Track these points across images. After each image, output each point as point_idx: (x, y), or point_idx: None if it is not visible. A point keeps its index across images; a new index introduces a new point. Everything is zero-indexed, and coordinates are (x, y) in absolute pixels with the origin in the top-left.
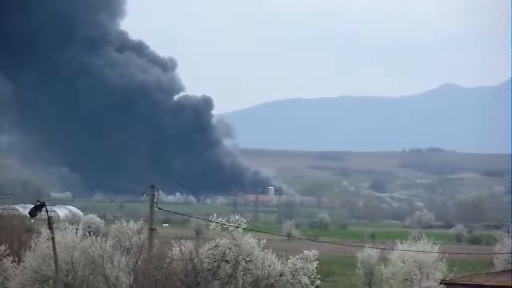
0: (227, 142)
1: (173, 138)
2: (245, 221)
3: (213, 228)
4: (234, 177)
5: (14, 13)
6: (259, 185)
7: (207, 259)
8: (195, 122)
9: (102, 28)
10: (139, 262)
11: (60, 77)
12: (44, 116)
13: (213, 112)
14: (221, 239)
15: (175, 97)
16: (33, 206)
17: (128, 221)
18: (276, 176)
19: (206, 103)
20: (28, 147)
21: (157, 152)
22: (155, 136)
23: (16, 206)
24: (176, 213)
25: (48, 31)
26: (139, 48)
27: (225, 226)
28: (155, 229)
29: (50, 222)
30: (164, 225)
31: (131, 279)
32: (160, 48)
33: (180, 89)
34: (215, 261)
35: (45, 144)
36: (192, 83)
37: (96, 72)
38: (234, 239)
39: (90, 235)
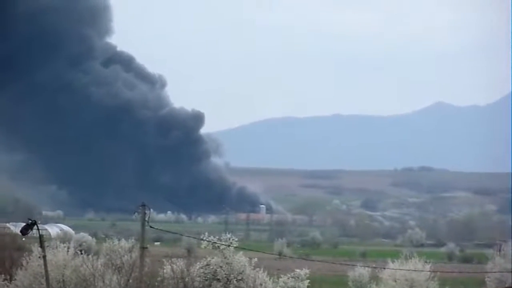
0: (217, 160)
1: (162, 155)
2: (236, 239)
3: (205, 247)
4: (225, 195)
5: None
6: (251, 204)
7: (199, 278)
8: (184, 138)
9: (89, 42)
10: (130, 281)
11: (46, 95)
12: (32, 133)
13: (204, 130)
14: (213, 258)
15: (163, 113)
16: (24, 224)
17: (119, 240)
18: (268, 194)
19: (196, 118)
20: (18, 165)
21: (146, 170)
22: (143, 154)
23: (7, 224)
24: (167, 231)
25: (33, 47)
26: (127, 62)
27: (216, 245)
28: (146, 248)
29: (41, 241)
30: (155, 243)
31: None
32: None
33: (167, 105)
34: (206, 280)
35: (34, 162)
36: (182, 100)
37: (83, 89)
38: (225, 257)
39: (81, 253)
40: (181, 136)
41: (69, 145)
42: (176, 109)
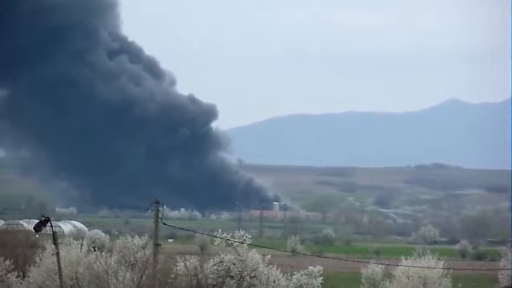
0: (231, 157)
1: (174, 152)
2: (249, 236)
3: (218, 244)
4: (238, 192)
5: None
6: (264, 201)
7: (212, 275)
8: (197, 133)
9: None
10: (143, 278)
11: (54, 90)
12: (42, 130)
13: (218, 126)
14: (226, 255)
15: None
16: (38, 221)
17: (133, 237)
18: (281, 191)
19: (209, 112)
20: (29, 162)
21: (159, 166)
22: (154, 150)
23: (21, 221)
24: (181, 228)
25: (40, 40)
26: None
27: (230, 242)
28: (160, 245)
29: (54, 237)
30: (169, 240)
31: None
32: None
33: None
34: (219, 277)
35: (46, 159)
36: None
37: (91, 84)
38: (239, 254)
39: (94, 250)
40: (193, 131)
41: (80, 141)
42: (189, 104)
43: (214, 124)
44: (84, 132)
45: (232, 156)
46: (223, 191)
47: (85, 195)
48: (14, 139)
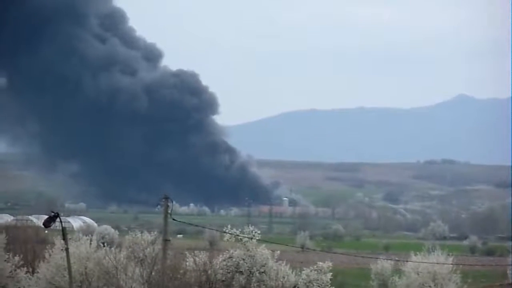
0: (242, 153)
1: (182, 147)
2: (259, 232)
3: (227, 240)
4: (247, 188)
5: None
6: (273, 196)
7: (221, 270)
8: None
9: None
10: (153, 273)
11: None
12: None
13: (229, 122)
14: (235, 250)
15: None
16: (47, 217)
17: (142, 232)
18: (291, 187)
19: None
20: (40, 158)
21: (168, 162)
22: (165, 146)
23: (30, 217)
24: (190, 224)
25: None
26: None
27: (239, 237)
28: (169, 240)
29: (64, 233)
30: (178, 236)
31: None
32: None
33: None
34: (229, 272)
35: (57, 154)
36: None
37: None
38: (248, 250)
39: (104, 246)
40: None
41: (94, 138)
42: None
43: (222, 119)
44: (98, 128)
45: (242, 152)
46: (232, 186)
47: (95, 191)
48: (16, 134)
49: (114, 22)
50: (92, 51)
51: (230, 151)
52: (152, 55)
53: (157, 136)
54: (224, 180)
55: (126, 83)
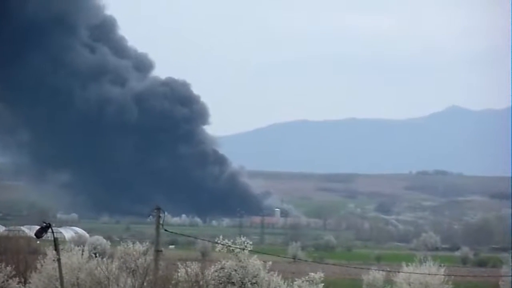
0: (234, 163)
1: (173, 157)
2: (251, 243)
3: (219, 250)
4: (239, 199)
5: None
6: (265, 207)
7: (213, 281)
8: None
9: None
10: (145, 284)
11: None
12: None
13: (220, 133)
14: (227, 261)
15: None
16: (39, 227)
17: (134, 243)
18: (282, 198)
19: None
20: (30, 168)
21: (159, 172)
22: (156, 156)
23: (22, 228)
24: (182, 234)
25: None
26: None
27: (231, 248)
28: (161, 251)
29: (56, 244)
30: (170, 246)
31: None
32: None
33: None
34: (221, 283)
35: (47, 164)
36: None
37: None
38: (240, 261)
39: (96, 256)
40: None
41: (86, 148)
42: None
43: (214, 130)
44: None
45: (233, 162)
46: (223, 197)
47: (87, 202)
48: (6, 144)
49: (105, 31)
50: (82, 61)
51: (221, 161)
52: (143, 65)
53: (148, 146)
54: (215, 191)
55: (117, 93)
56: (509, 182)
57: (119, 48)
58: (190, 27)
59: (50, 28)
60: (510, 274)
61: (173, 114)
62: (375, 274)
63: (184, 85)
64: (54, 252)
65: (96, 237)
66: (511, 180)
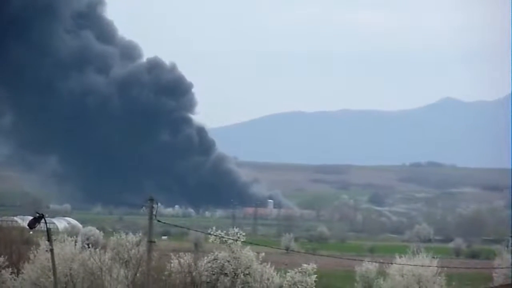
0: (226, 154)
1: (169, 149)
2: (244, 234)
3: (212, 241)
4: (232, 189)
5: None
6: (258, 198)
7: (206, 272)
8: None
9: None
10: (137, 275)
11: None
12: (41, 128)
13: (214, 125)
14: (220, 252)
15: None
16: (32, 218)
17: (127, 234)
18: (276, 189)
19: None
20: (26, 158)
21: (154, 163)
22: (151, 148)
23: (15, 218)
24: (175, 225)
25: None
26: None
27: (224, 239)
28: (154, 242)
29: (49, 234)
30: (163, 237)
31: None
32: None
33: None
34: (213, 274)
35: (34, 154)
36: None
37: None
38: (233, 252)
39: (89, 247)
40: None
41: (82, 140)
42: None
43: (207, 121)
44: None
45: (227, 153)
46: (217, 188)
47: (80, 192)
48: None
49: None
50: (67, 48)
51: (210, 150)
52: (132, 53)
53: (135, 134)
54: (208, 182)
55: (102, 81)
56: (502, 174)
57: (107, 35)
58: (186, 19)
59: (34, 15)
60: (510, 265)
61: (161, 102)
62: (368, 266)
63: (171, 71)
64: (47, 242)
65: (89, 227)
66: (511, 172)
